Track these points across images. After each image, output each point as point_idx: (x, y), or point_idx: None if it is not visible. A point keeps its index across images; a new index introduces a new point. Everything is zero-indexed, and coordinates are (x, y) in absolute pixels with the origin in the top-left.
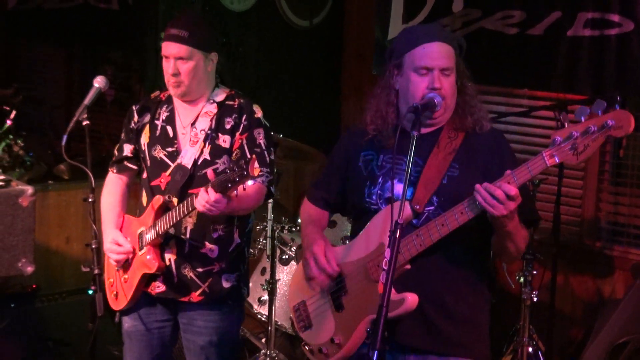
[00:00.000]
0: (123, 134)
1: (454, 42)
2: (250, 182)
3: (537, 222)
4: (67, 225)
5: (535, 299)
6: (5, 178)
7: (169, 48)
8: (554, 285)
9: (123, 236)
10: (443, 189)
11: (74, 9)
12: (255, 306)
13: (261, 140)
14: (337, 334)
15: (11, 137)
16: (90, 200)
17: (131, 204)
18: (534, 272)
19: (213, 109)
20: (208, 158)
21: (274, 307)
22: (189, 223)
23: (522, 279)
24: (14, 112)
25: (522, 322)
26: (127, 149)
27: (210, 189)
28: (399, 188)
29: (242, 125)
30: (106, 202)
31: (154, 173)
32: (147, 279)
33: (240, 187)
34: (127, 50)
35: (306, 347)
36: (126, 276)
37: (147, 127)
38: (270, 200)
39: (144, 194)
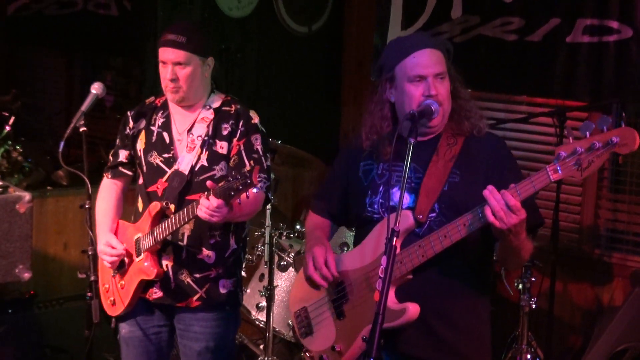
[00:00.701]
0: (118, 140)
1: (442, 47)
2: (254, 190)
3: (541, 226)
4: (65, 232)
5: (534, 306)
6: (3, 184)
7: (167, 53)
8: (553, 292)
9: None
10: (444, 196)
11: (73, 15)
12: (254, 312)
13: (259, 146)
14: (338, 341)
15: (10, 143)
16: (86, 206)
17: (126, 210)
18: (533, 279)
19: (210, 115)
20: (205, 164)
21: (272, 314)
22: (186, 229)
23: (520, 286)
24: (12, 118)
25: (520, 329)
26: (122, 155)
27: (211, 196)
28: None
29: (239, 132)
30: (101, 207)
31: (151, 179)
32: (145, 285)
33: (243, 195)
34: (127, 56)
35: (307, 354)
36: (123, 282)
37: (143, 133)
38: (269, 207)
39: (140, 199)
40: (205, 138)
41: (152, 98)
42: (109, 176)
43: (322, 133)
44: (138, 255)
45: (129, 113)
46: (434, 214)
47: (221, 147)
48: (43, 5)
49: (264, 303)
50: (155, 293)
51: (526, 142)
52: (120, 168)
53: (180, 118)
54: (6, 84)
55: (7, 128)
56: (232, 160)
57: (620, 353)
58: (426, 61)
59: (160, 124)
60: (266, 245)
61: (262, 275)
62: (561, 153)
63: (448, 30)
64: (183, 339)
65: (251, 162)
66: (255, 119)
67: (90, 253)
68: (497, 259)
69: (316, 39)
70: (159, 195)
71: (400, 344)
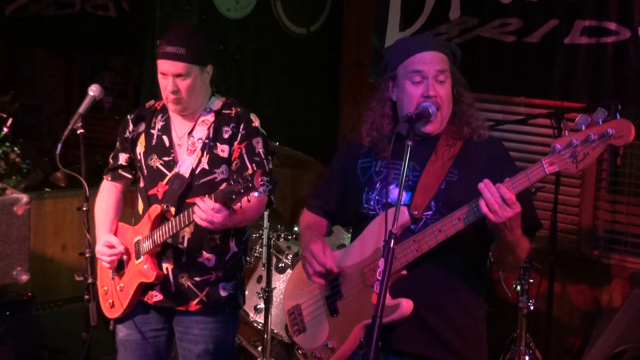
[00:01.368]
0: (118, 143)
1: (448, 51)
2: (256, 194)
3: (538, 229)
4: (63, 233)
5: (532, 308)
6: (0, 186)
7: (166, 66)
8: (551, 293)
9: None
10: (441, 194)
11: (72, 16)
12: (252, 314)
13: (260, 149)
14: (330, 338)
15: (8, 144)
16: (84, 209)
17: (125, 213)
18: (531, 281)
19: (210, 117)
20: (206, 168)
21: (270, 316)
22: (187, 232)
23: (519, 288)
24: (10, 119)
25: (519, 330)
26: (122, 158)
27: (207, 198)
28: (396, 193)
29: (240, 135)
30: (100, 208)
31: (151, 182)
32: (144, 288)
33: (244, 199)
34: (125, 57)
35: (300, 351)
36: (122, 284)
37: (143, 136)
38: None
39: (140, 202)
40: (206, 141)
41: (152, 101)
42: (109, 178)
43: (321, 134)
44: (137, 257)
45: (129, 116)
46: (430, 212)
47: (222, 150)
48: (41, 6)
49: (261, 305)
50: (155, 296)
51: (524, 143)
52: (120, 171)
53: (180, 121)
54: (4, 85)
55: (5, 129)
56: (234, 164)
57: (619, 354)
58: (427, 60)
59: (160, 127)
60: (264, 247)
61: (260, 277)
62: (557, 146)
63: (446, 31)
64: (182, 341)
65: (253, 165)
66: (256, 122)
67: (87, 256)
68: (493, 260)
69: (314, 40)
70: (159, 198)
71: (395, 342)
